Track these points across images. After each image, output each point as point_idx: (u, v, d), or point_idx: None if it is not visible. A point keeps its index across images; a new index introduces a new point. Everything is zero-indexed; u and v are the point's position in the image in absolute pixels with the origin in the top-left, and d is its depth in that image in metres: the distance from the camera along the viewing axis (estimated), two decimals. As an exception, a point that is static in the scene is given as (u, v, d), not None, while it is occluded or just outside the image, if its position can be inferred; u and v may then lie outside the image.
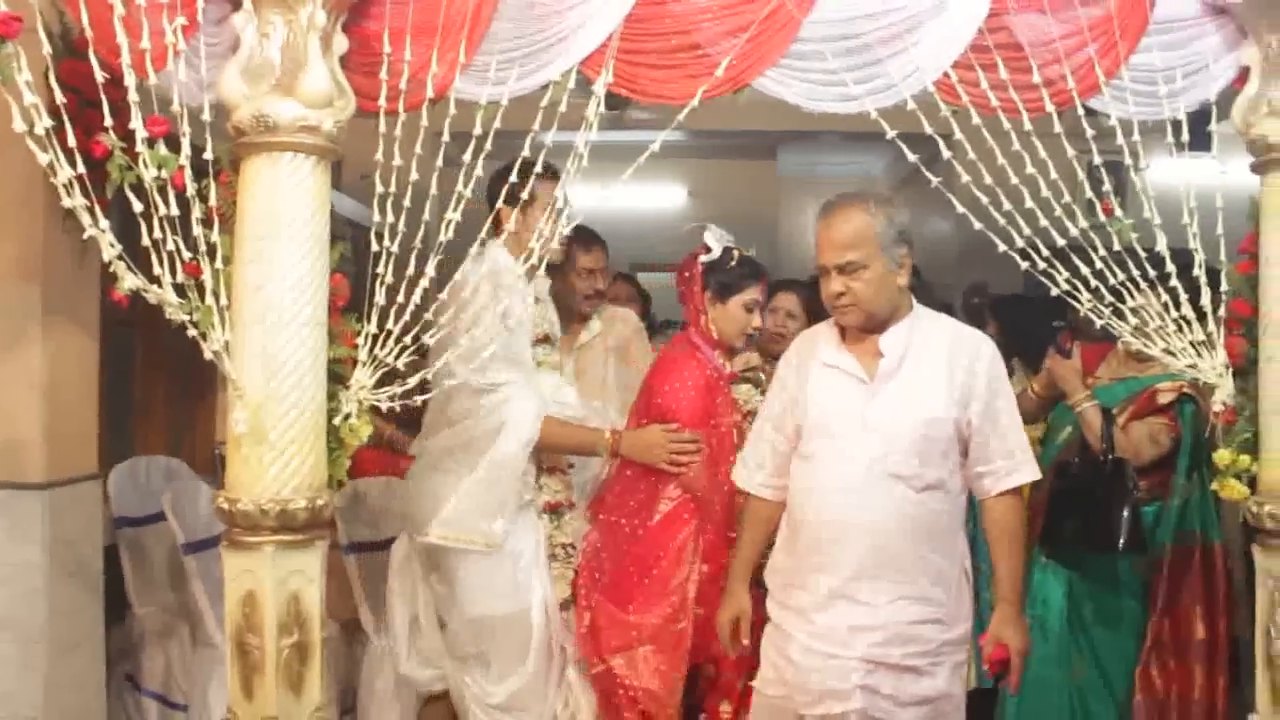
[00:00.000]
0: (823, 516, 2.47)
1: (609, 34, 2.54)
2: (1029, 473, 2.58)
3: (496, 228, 2.94)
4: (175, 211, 2.28)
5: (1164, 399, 3.27)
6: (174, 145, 2.31)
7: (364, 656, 3.55)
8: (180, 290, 2.29)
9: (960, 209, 2.71)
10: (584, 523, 3.23)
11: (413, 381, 2.52)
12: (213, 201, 2.35)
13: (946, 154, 2.66)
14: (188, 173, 2.30)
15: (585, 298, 3.67)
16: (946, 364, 2.50)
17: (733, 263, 3.18)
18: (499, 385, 2.98)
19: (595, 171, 2.61)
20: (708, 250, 3.20)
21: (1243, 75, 2.65)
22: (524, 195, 2.84)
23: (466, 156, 2.48)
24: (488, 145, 2.48)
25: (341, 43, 2.44)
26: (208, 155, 2.35)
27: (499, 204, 2.84)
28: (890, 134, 2.64)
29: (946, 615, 2.49)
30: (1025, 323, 4.60)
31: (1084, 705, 3.34)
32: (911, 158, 2.71)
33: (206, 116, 2.34)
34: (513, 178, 2.66)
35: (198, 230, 2.31)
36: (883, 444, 2.44)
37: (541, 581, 3.09)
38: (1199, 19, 2.66)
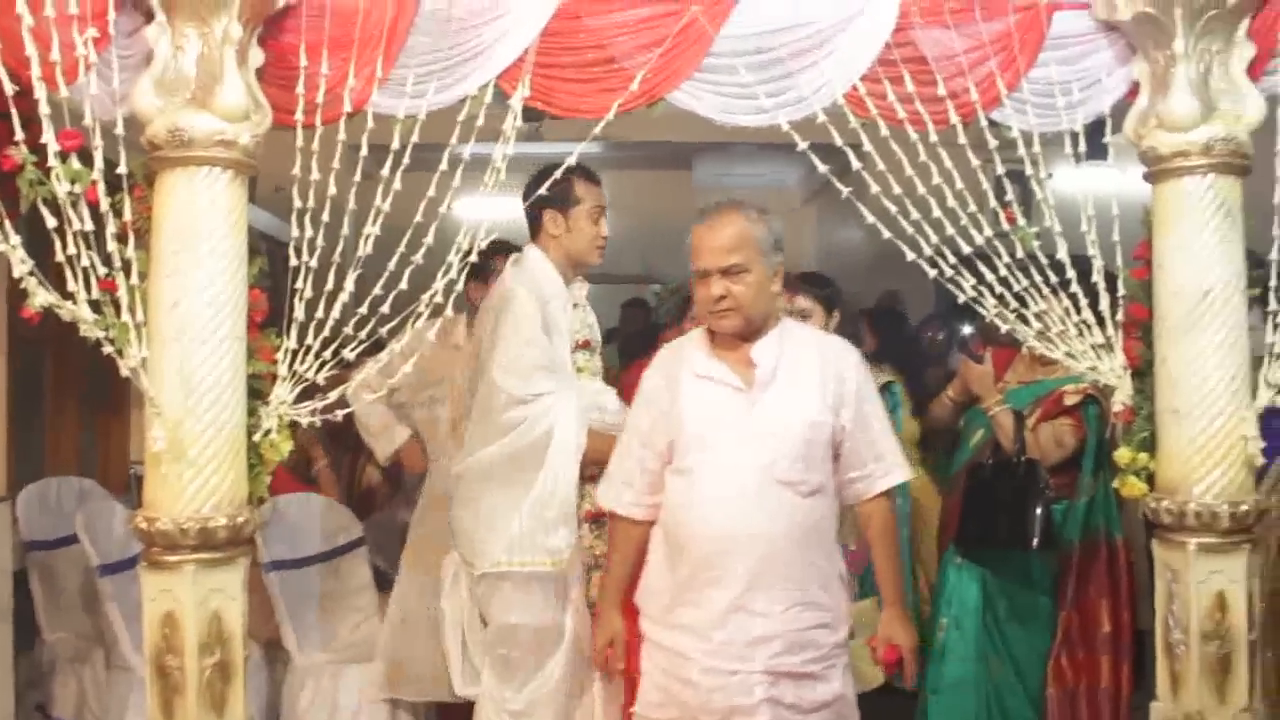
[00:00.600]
0: (712, 530, 2.44)
1: (525, 48, 2.56)
2: (901, 474, 2.63)
3: (536, 233, 3.01)
4: (89, 226, 2.25)
5: (1070, 401, 3.39)
6: (86, 159, 2.28)
7: (286, 675, 3.51)
8: (95, 306, 2.26)
9: (870, 218, 2.78)
10: None
11: (333, 396, 2.51)
12: (127, 216, 2.32)
13: (856, 165, 2.72)
14: (101, 187, 2.28)
15: None
16: (819, 371, 2.53)
17: None
18: (541, 395, 2.94)
19: (513, 183, 2.63)
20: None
21: (1134, 89, 2.76)
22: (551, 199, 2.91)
23: (385, 170, 2.49)
24: (406, 159, 2.49)
25: (257, 56, 2.43)
26: (121, 169, 2.32)
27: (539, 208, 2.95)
28: (802, 145, 2.70)
29: (833, 619, 2.53)
30: (898, 335, 4.75)
31: (1000, 701, 3.44)
32: (822, 169, 2.77)
33: (120, 130, 2.32)
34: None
35: (112, 246, 2.29)
36: (769, 452, 2.44)
37: (577, 593, 3.03)
38: (1093, 35, 2.76)
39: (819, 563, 2.51)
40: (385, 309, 2.50)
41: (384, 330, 2.56)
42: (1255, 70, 2.65)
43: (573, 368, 3.10)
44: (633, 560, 2.63)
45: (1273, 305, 2.68)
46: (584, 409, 3.02)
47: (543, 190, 2.86)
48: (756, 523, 2.42)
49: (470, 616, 3.10)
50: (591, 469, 3.05)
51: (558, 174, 2.81)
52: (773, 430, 2.45)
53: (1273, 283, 2.68)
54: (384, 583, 3.84)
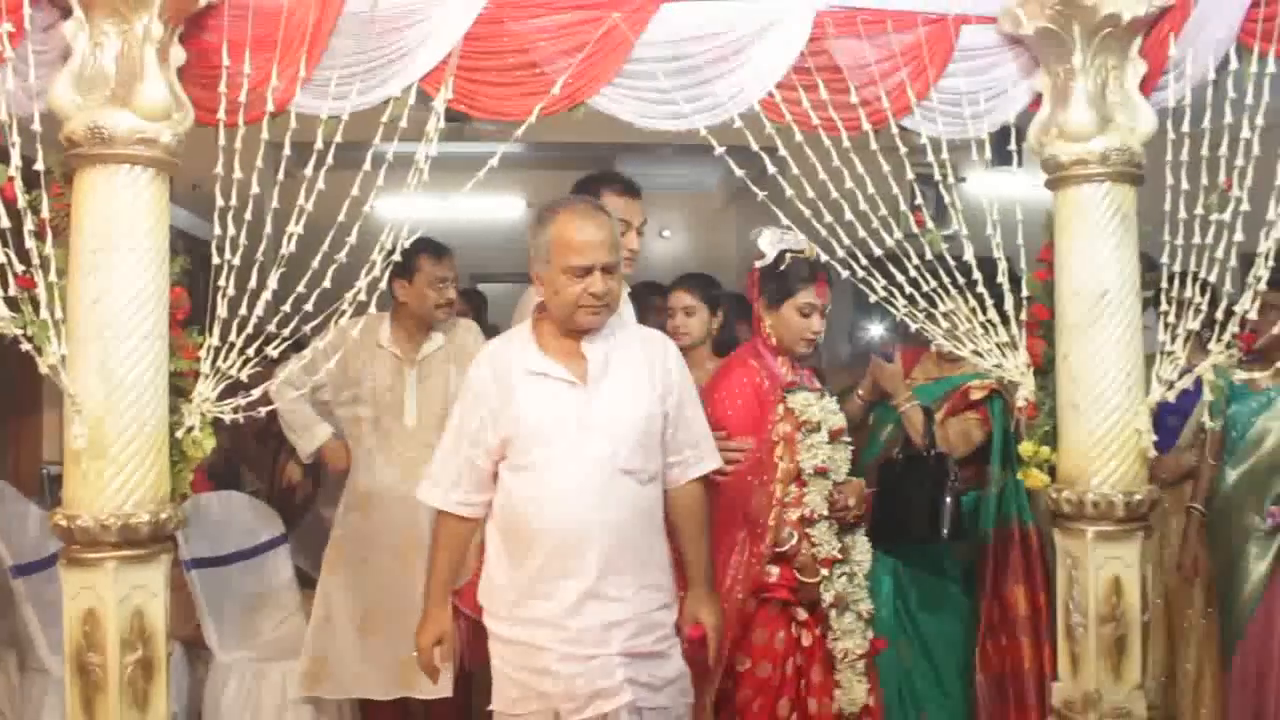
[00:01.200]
0: (563, 523, 2.45)
1: (448, 52, 2.59)
2: (713, 461, 2.73)
3: None
4: (5, 223, 2.24)
5: (976, 395, 3.52)
6: (2, 155, 2.26)
7: (208, 674, 3.49)
8: (12, 304, 2.25)
9: (785, 221, 2.86)
10: None
11: (257, 393, 2.52)
12: (45, 213, 2.31)
13: (772, 169, 2.80)
14: (18, 184, 2.26)
15: (437, 307, 3.69)
16: (645, 362, 2.59)
17: (784, 266, 3.09)
18: None
19: (435, 183, 2.63)
20: (762, 256, 3.14)
21: (1037, 100, 2.88)
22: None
23: (308, 170, 2.50)
24: (329, 159, 2.50)
25: (179, 54, 2.42)
26: (39, 166, 2.30)
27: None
28: (719, 150, 2.77)
29: (670, 598, 2.61)
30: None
31: (910, 686, 3.56)
32: (739, 173, 2.84)
33: (37, 126, 2.30)
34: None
35: (30, 242, 2.27)
36: (610, 443, 2.49)
37: None
38: (998, 48, 2.89)
39: (657, 546, 2.59)
40: (309, 307, 2.51)
41: (307, 328, 2.57)
42: (1147, 86, 2.80)
43: None
44: (459, 560, 2.63)
45: (1164, 306, 2.82)
46: None
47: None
48: (605, 513, 2.47)
49: None
50: None
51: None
52: (611, 422, 2.50)
53: (1164, 285, 2.82)
54: (305, 582, 3.83)
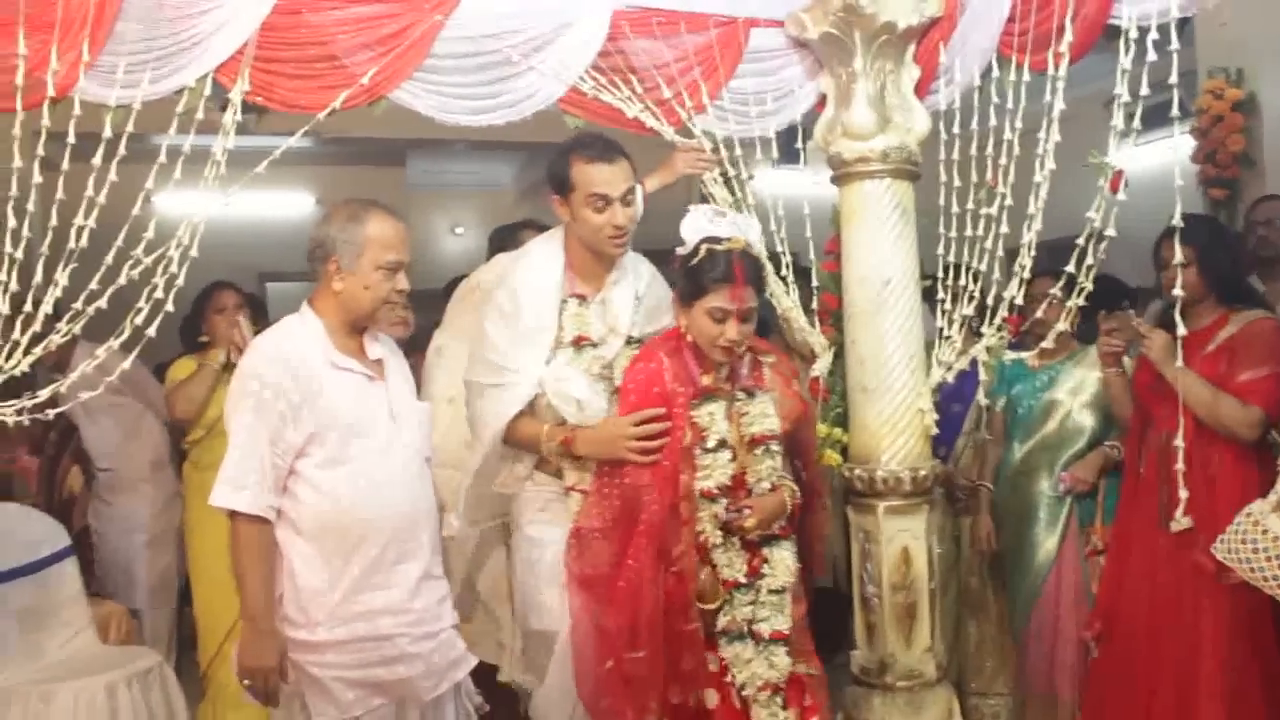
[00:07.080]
0: (399, 508, 2.49)
1: (244, 41, 2.52)
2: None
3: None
4: None
5: None
6: None
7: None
8: None
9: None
10: None
11: (44, 395, 2.38)
12: None
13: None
14: None
15: None
16: (394, 357, 2.67)
17: (697, 259, 2.56)
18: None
19: (219, 177, 2.54)
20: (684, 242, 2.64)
21: (822, 101, 3.05)
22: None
23: (96, 160, 2.38)
24: (121, 149, 2.39)
25: (-64, 33, 2.27)
26: None
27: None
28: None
29: None
30: None
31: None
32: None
33: None
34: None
35: None
36: (414, 431, 2.59)
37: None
38: (785, 50, 3.04)
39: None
40: (103, 304, 2.38)
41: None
42: (921, 90, 3.01)
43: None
44: (274, 565, 2.44)
45: (940, 294, 3.03)
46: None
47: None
48: (425, 496, 2.59)
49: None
50: None
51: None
52: (410, 413, 2.60)
53: (940, 274, 3.03)
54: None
